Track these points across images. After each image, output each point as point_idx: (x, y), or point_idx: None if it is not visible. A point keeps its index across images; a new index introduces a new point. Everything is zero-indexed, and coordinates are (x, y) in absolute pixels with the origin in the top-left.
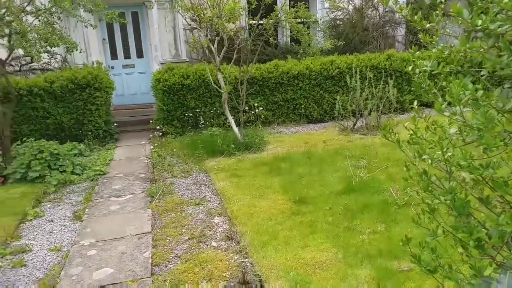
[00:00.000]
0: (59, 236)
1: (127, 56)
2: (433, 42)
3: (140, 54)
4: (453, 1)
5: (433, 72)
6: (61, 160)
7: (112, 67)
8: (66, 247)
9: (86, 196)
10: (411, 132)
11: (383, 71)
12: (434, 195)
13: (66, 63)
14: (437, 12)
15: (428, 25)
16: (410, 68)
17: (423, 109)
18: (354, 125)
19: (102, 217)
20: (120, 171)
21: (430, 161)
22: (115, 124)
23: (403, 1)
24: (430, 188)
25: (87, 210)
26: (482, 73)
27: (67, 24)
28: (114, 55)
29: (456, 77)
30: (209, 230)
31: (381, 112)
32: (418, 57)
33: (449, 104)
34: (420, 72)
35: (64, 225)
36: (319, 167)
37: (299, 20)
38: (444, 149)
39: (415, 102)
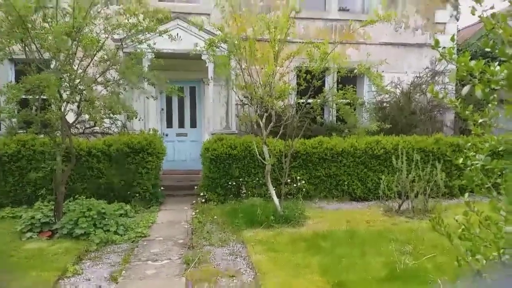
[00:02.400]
0: None
1: (181, 125)
2: (485, 135)
3: (193, 124)
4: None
5: (486, 168)
6: (106, 219)
7: (167, 135)
8: None
9: (124, 258)
10: (463, 227)
11: (430, 154)
12: None
13: (125, 129)
14: (490, 106)
15: (481, 120)
16: (460, 160)
17: (474, 201)
18: (399, 206)
19: (137, 281)
20: (161, 234)
21: (484, 261)
22: (162, 188)
23: (452, 88)
24: None
25: (123, 272)
26: None
27: (131, 94)
28: (169, 124)
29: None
30: None
31: (429, 195)
32: (470, 148)
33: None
34: (472, 165)
35: (100, 286)
36: (361, 249)
37: (346, 101)
38: (501, 251)
39: (466, 194)
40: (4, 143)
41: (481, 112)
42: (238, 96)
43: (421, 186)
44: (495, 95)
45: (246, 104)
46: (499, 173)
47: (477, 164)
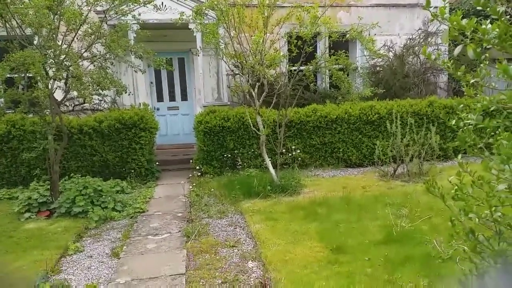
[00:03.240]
0: (97, 272)
1: (172, 98)
2: (478, 95)
3: (184, 97)
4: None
5: (478, 126)
6: (103, 196)
7: (158, 109)
8: (102, 284)
9: (124, 233)
10: (456, 187)
11: (424, 117)
12: (483, 258)
13: (115, 104)
14: (482, 66)
15: (472, 80)
16: (453, 122)
17: (467, 162)
18: (394, 171)
19: (138, 255)
20: (159, 209)
21: (477, 220)
22: (157, 163)
23: (445, 49)
24: (478, 249)
25: (124, 247)
26: None
27: (118, 68)
28: (160, 97)
29: (504, 132)
30: (243, 275)
31: (423, 158)
32: (462, 109)
33: (497, 160)
34: (464, 126)
35: (102, 262)
36: (358, 214)
37: (339, 67)
38: (493, 209)
39: (459, 156)
40: None
41: (473, 73)
42: (228, 66)
43: (415, 150)
44: (486, 55)
45: (237, 74)
46: (492, 133)
47: (469, 124)
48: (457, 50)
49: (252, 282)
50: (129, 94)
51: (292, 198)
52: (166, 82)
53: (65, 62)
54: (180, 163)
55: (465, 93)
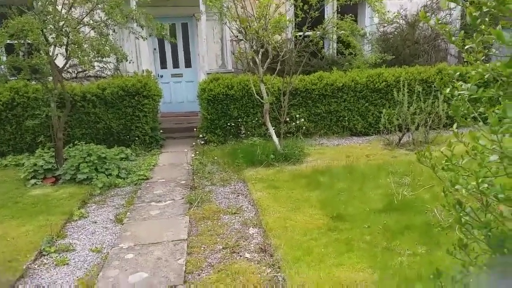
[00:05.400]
0: (101, 237)
1: (175, 65)
2: (477, 62)
3: (188, 64)
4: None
5: (472, 97)
6: (107, 163)
7: (161, 76)
8: (106, 249)
9: (128, 200)
10: (446, 158)
11: (433, 85)
12: (468, 230)
13: (118, 71)
14: (478, 34)
15: (467, 46)
16: (447, 90)
17: (462, 133)
18: (400, 140)
19: (142, 221)
20: (163, 176)
21: (464, 191)
22: (161, 131)
23: (457, 15)
24: (463, 221)
25: (128, 213)
26: None
27: (121, 35)
28: (163, 64)
29: (498, 102)
30: (244, 241)
31: (430, 127)
32: (458, 78)
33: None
34: (458, 95)
35: (106, 227)
36: (360, 182)
37: (348, 33)
38: (480, 180)
39: (455, 125)
40: None
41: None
42: (232, 31)
43: (422, 118)
44: (486, 19)
45: (241, 39)
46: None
47: (464, 93)
48: (455, 14)
49: (252, 247)
50: (130, 62)
51: (295, 167)
52: (170, 49)
53: (65, 28)
54: (184, 131)
55: (465, 60)
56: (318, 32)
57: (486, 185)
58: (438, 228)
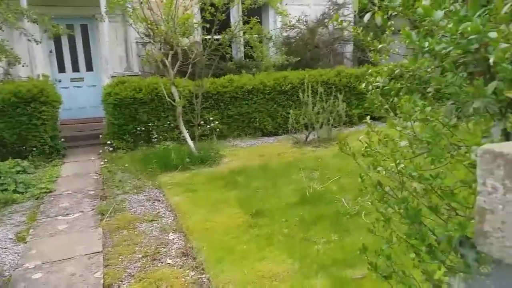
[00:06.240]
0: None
1: (75, 69)
2: (384, 61)
3: (89, 67)
4: (400, 22)
5: (384, 88)
6: (2, 178)
7: (60, 81)
8: (8, 271)
9: (30, 216)
10: (366, 145)
11: (333, 86)
12: (389, 205)
13: (9, 76)
14: (387, 33)
15: (380, 46)
16: (363, 85)
17: (374, 123)
18: (306, 138)
19: (48, 238)
20: (69, 188)
21: (384, 172)
22: (62, 139)
23: (351, 19)
24: (384, 199)
25: (31, 230)
26: (428, 90)
27: (10, 35)
28: (61, 68)
29: (406, 94)
30: (164, 247)
31: (332, 125)
32: (371, 74)
33: (401, 119)
34: (372, 89)
35: (5, 248)
36: (275, 179)
37: (256, 36)
38: (397, 161)
39: (368, 117)
40: None
41: (380, 39)
42: (138, 34)
43: (325, 117)
44: (392, 22)
45: (148, 42)
46: (395, 95)
47: (377, 87)
48: (367, 17)
49: (173, 253)
50: (23, 65)
51: (212, 169)
52: (68, 51)
53: None
54: (89, 139)
55: (371, 59)
56: (227, 36)
57: (402, 165)
58: (347, 216)
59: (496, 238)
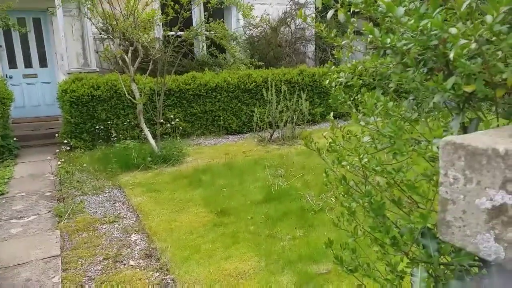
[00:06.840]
0: None
1: (28, 65)
2: (347, 58)
3: (43, 63)
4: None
5: (348, 83)
6: None
7: (11, 77)
8: None
9: None
10: (330, 140)
11: (296, 85)
12: (354, 199)
13: None
14: (350, 30)
15: (343, 42)
16: (327, 82)
17: (337, 120)
18: (271, 136)
19: (1, 242)
20: (22, 189)
21: (348, 167)
22: (15, 139)
23: (313, 19)
24: (349, 192)
25: None
26: (390, 85)
27: None
28: (12, 64)
29: (368, 89)
30: (126, 249)
31: (295, 123)
32: (334, 72)
33: (364, 114)
34: (336, 85)
35: None
36: (240, 177)
37: (221, 34)
38: (361, 156)
39: (331, 114)
40: None
41: (341, 37)
42: (97, 28)
43: (289, 116)
44: (354, 19)
45: (107, 37)
46: (357, 91)
47: (340, 84)
48: (330, 14)
49: (136, 254)
50: None
51: (175, 168)
52: (20, 46)
53: None
54: (44, 138)
55: (334, 56)
56: (192, 33)
57: (366, 160)
58: (311, 212)
59: (457, 227)
